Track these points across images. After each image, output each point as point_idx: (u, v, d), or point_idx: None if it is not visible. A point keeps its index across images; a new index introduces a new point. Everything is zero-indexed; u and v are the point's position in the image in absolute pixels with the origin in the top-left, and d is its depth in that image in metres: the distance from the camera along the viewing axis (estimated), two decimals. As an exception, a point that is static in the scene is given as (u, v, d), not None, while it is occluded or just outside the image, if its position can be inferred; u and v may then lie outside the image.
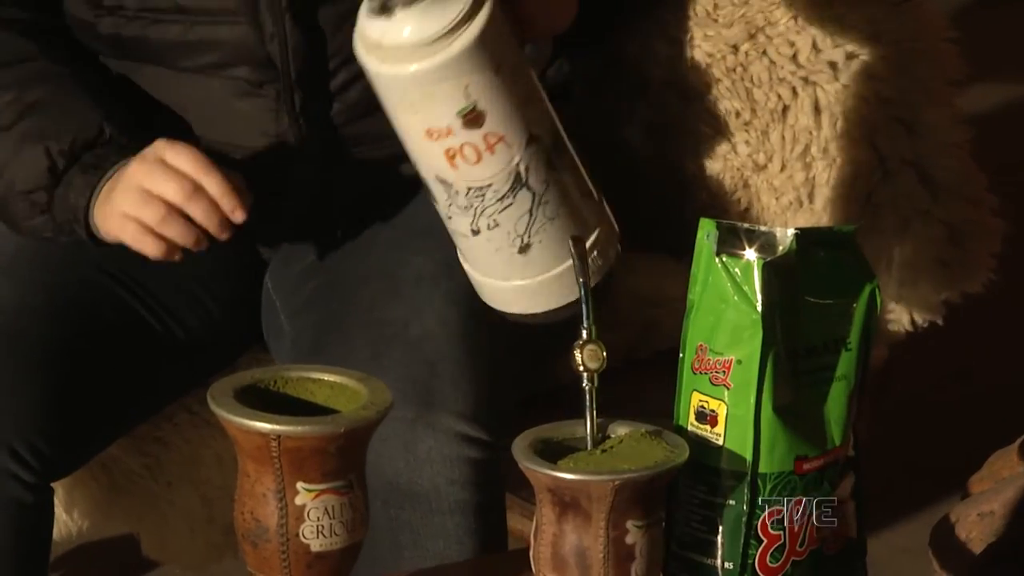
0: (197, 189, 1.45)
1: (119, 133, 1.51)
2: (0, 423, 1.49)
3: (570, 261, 1.30)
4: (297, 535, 1.22)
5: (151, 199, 1.45)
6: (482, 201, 1.31)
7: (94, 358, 1.52)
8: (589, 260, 1.31)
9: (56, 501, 1.57)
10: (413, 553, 1.47)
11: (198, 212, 1.45)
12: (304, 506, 1.22)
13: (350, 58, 1.52)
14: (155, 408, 1.68)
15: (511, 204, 1.31)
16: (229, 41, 1.54)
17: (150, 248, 1.47)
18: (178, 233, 1.46)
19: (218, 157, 1.51)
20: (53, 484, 1.55)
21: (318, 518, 1.22)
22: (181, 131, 1.57)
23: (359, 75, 1.51)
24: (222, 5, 1.53)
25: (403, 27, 1.27)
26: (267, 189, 1.54)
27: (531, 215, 1.32)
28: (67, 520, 1.70)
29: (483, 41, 1.27)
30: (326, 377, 1.28)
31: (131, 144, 1.51)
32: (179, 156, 1.46)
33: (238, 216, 1.46)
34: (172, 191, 1.45)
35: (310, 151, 1.57)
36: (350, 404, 1.25)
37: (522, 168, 1.30)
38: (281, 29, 1.53)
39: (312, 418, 1.23)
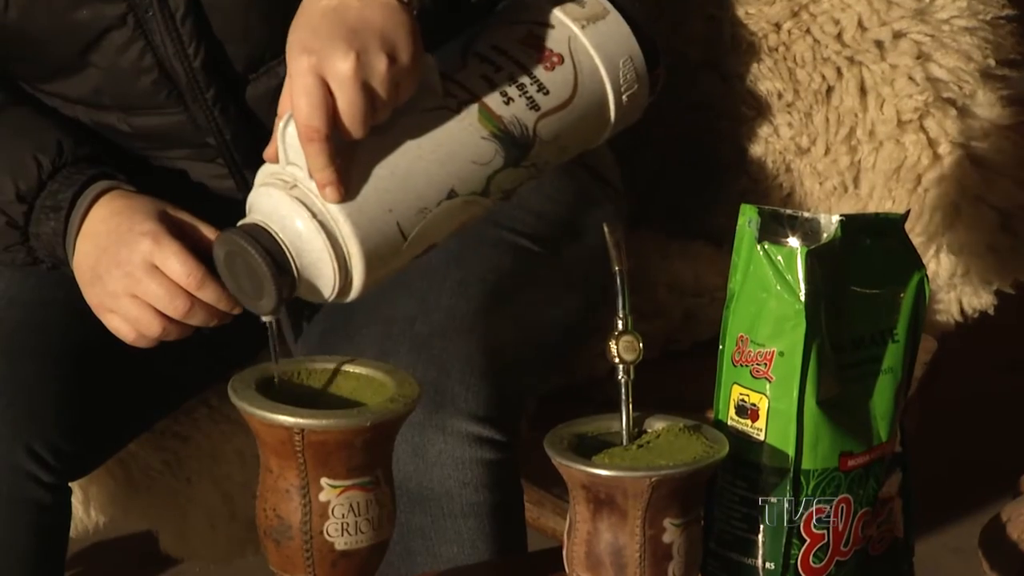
0: (193, 303, 1.43)
1: (58, 156, 1.49)
2: (20, 421, 1.48)
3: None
4: (321, 532, 1.20)
5: (144, 308, 1.44)
6: None
7: (114, 352, 1.50)
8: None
9: (72, 498, 1.56)
10: (426, 559, 1.46)
11: (195, 321, 1.45)
12: (329, 503, 1.20)
13: None
14: (176, 403, 1.67)
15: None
16: (166, 130, 1.53)
17: (143, 345, 1.46)
18: (175, 336, 1.46)
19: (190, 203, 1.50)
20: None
21: (343, 515, 1.20)
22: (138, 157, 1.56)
23: None
24: (151, 101, 1.51)
25: (307, 297, 1.31)
26: None
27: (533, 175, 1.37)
28: (83, 517, 1.70)
29: (370, 264, 1.29)
30: (351, 369, 1.26)
31: (78, 163, 1.49)
32: (168, 261, 1.43)
33: (237, 311, 1.45)
34: (167, 307, 1.43)
35: None
36: (376, 396, 1.24)
37: (499, 195, 1.34)
38: (213, 122, 1.51)
39: (337, 411, 1.21)
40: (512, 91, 1.34)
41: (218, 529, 1.70)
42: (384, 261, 1.30)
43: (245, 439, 1.64)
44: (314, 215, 1.27)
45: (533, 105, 1.34)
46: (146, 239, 1.44)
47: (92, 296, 1.46)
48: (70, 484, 1.52)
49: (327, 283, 1.29)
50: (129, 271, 1.43)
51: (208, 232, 1.47)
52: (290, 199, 1.28)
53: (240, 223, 1.29)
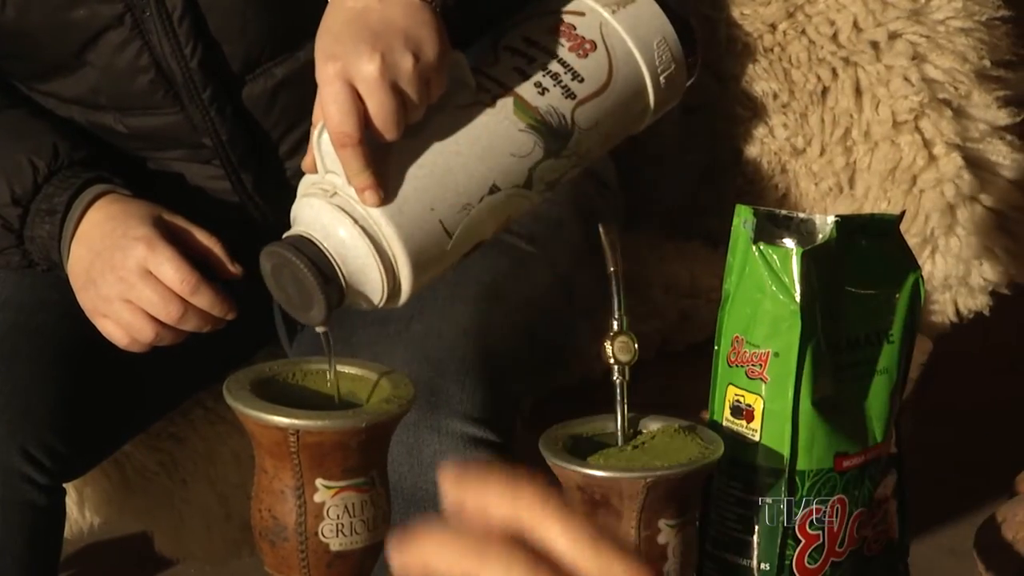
0: (186, 308, 1.42)
1: (54, 160, 1.48)
2: (15, 423, 1.47)
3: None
4: (316, 534, 1.19)
5: (137, 313, 1.43)
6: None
7: (109, 354, 1.50)
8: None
9: (67, 499, 1.54)
10: None
11: (189, 327, 1.44)
12: (324, 504, 1.19)
13: (292, 125, 1.51)
14: (172, 405, 1.66)
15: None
16: (162, 130, 1.52)
17: (136, 349, 1.46)
18: (169, 342, 1.45)
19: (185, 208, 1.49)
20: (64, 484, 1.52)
21: (338, 516, 1.19)
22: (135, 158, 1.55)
23: (304, 138, 1.49)
24: (147, 101, 1.50)
25: (358, 304, 1.29)
26: (241, 242, 1.50)
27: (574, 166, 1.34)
28: (78, 518, 1.69)
29: (417, 265, 1.27)
30: (347, 369, 1.25)
31: (74, 166, 1.48)
32: (162, 266, 1.42)
33: (231, 316, 1.44)
34: (160, 312, 1.43)
35: (274, 216, 1.53)
36: (371, 397, 1.23)
37: (542, 187, 1.31)
38: (209, 122, 1.50)
39: (332, 412, 1.20)
40: (546, 81, 1.31)
41: (213, 530, 1.69)
42: (431, 261, 1.28)
43: (241, 440, 1.63)
44: (356, 221, 1.25)
45: (568, 93, 1.31)
46: (140, 244, 1.43)
47: (86, 300, 1.46)
48: (64, 485, 1.51)
49: (375, 288, 1.26)
50: (123, 276, 1.43)
51: (203, 237, 1.46)
52: (331, 207, 1.25)
53: (285, 235, 1.27)
